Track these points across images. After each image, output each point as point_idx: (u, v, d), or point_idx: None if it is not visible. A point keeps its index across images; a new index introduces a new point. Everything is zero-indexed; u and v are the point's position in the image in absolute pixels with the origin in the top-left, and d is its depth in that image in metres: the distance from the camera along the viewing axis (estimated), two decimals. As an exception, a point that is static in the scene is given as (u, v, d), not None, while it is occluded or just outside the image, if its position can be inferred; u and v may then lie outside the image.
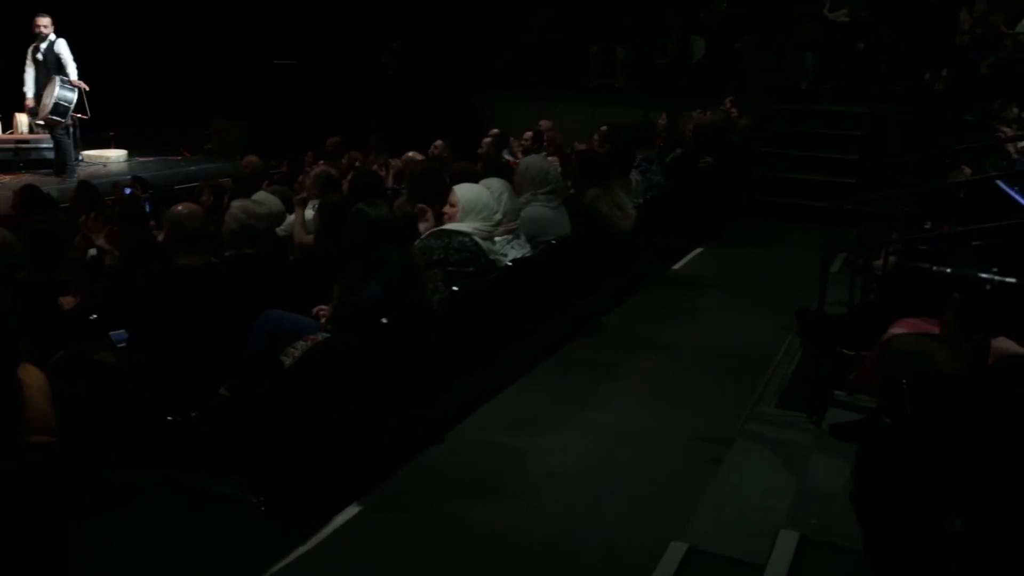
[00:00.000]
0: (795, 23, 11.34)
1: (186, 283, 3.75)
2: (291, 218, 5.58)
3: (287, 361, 3.62)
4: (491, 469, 4.05)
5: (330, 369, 3.58)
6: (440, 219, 4.69)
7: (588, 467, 4.09)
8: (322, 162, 8.07)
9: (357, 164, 8.03)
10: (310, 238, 5.02)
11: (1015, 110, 7.67)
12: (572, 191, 6.25)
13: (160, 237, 4.57)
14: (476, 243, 4.53)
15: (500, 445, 4.27)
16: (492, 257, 4.65)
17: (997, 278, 2.43)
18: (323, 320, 3.92)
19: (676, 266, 7.91)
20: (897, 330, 2.89)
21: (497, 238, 4.76)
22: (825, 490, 3.41)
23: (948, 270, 2.92)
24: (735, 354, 5.60)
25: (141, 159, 11.74)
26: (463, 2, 13.03)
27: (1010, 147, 5.77)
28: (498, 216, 4.73)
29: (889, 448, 2.33)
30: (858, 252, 4.92)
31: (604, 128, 8.08)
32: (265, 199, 5.06)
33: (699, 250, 8.36)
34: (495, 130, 9.11)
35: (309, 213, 5.34)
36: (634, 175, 7.06)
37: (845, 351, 3.61)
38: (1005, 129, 6.21)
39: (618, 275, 6.69)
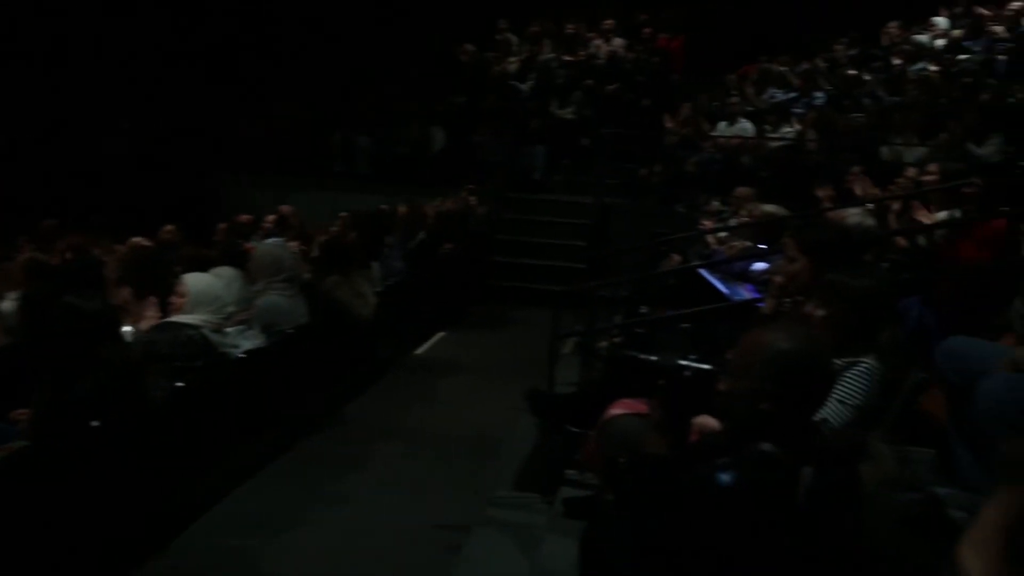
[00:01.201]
0: (526, 119, 12.07)
1: None
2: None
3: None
4: (220, 579, 3.78)
5: (28, 482, 3.20)
6: (166, 310, 4.41)
7: (326, 568, 3.93)
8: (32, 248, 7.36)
9: (74, 250, 7.40)
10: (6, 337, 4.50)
11: (715, 203, 8.58)
12: (309, 277, 6.14)
13: None
14: (205, 336, 4.30)
15: (230, 550, 4.01)
16: (223, 349, 4.43)
17: (695, 365, 2.66)
18: (22, 426, 3.52)
19: (419, 351, 7.97)
20: (615, 411, 3.06)
21: (229, 329, 4.55)
22: (560, 571, 3.49)
23: (653, 358, 3.16)
24: (476, 437, 5.69)
25: None
26: (199, 82, 12.65)
27: (710, 238, 6.43)
28: (229, 308, 4.53)
29: (608, 527, 2.43)
30: (585, 335, 5.20)
31: (345, 215, 8.07)
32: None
33: (441, 334, 8.49)
34: (245, 216, 8.81)
35: (9, 305, 4.81)
36: (375, 263, 7.08)
37: (573, 430, 3.76)
38: (706, 222, 6.92)
39: (360, 363, 6.62)
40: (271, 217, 8.97)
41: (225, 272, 4.78)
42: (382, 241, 7.25)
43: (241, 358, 4.55)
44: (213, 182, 12.29)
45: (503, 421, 5.95)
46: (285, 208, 9.34)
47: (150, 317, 4.41)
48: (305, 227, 8.55)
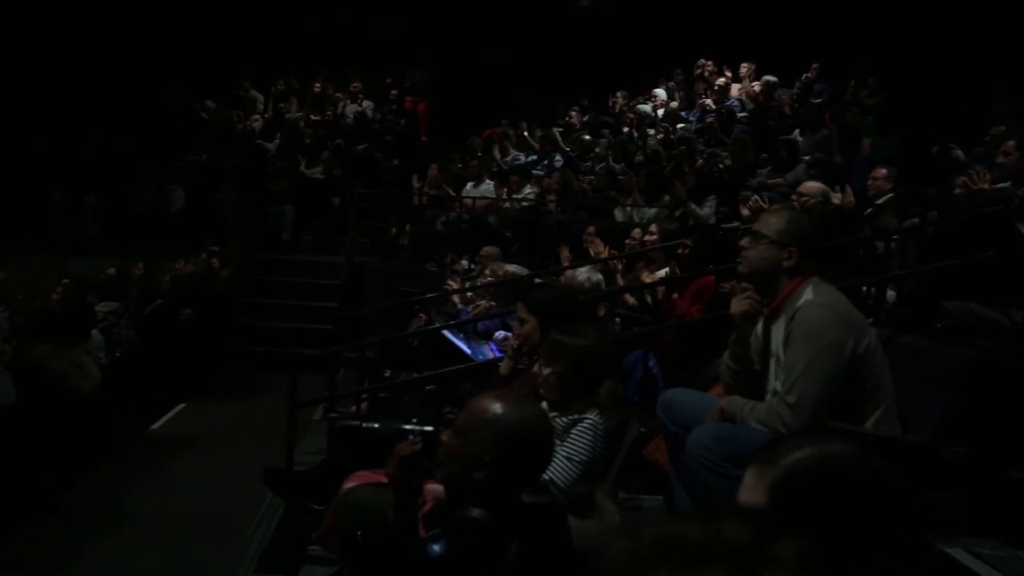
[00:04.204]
0: (273, 178, 11.79)
1: None
2: None
3: None
4: None
5: None
6: None
7: None
8: None
9: None
10: None
11: (464, 263, 8.78)
12: (12, 349, 5.54)
13: None
14: None
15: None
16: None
17: (418, 428, 2.66)
18: None
19: (155, 426, 7.42)
20: (352, 483, 2.97)
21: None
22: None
23: (376, 425, 3.13)
24: (217, 517, 5.34)
25: None
26: None
27: (456, 298, 6.54)
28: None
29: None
30: (329, 402, 5.07)
31: (67, 281, 7.40)
32: None
33: (181, 406, 7.97)
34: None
35: None
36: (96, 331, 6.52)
37: (315, 506, 3.62)
38: (451, 282, 7.04)
39: (83, 442, 6.04)
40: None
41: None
42: (92, 310, 6.67)
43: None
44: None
45: (248, 498, 5.63)
46: (-3, 274, 8.44)
47: None
48: (15, 294, 7.75)
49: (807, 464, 1.31)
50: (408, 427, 2.69)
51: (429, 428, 2.54)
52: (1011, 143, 4.78)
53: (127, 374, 6.70)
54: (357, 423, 3.23)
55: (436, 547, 1.92)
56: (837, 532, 1.25)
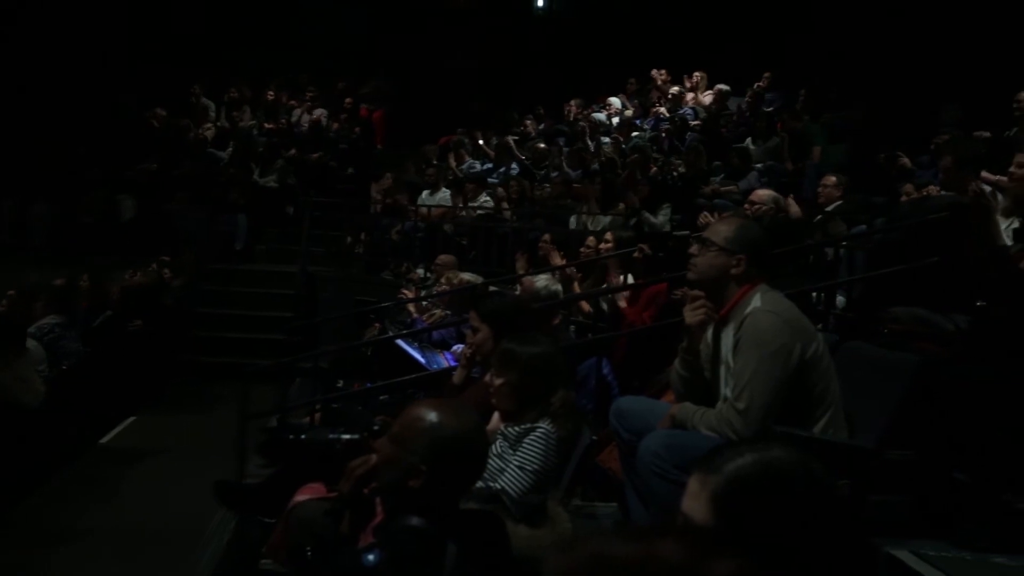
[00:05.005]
0: (226, 187, 11.64)
1: None
2: None
3: None
4: None
5: None
6: None
7: None
8: None
9: None
10: None
11: (419, 271, 8.73)
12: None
13: None
14: None
15: None
16: None
17: (346, 436, 2.64)
18: None
19: (105, 439, 7.27)
20: (301, 496, 2.94)
21: None
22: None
23: (303, 436, 3.10)
24: (168, 531, 5.24)
25: None
26: None
27: (411, 307, 6.51)
28: None
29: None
30: (280, 413, 5.01)
31: (12, 292, 7.22)
32: None
33: (132, 419, 7.81)
34: None
35: None
36: (31, 343, 6.29)
37: (265, 519, 3.57)
38: (405, 291, 7.01)
39: (30, 457, 5.89)
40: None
41: None
42: (23, 325, 6.47)
43: None
44: None
45: (200, 511, 5.53)
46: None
47: None
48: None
49: (749, 471, 1.32)
50: (333, 436, 2.67)
51: (354, 436, 2.52)
52: (948, 159, 4.89)
53: (74, 387, 6.55)
54: (287, 434, 3.19)
55: (371, 556, 1.91)
56: (777, 542, 1.26)
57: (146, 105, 13.05)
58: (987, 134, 7.05)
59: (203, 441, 7.27)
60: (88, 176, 11.65)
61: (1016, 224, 3.96)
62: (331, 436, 2.70)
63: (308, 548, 2.68)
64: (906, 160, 7.59)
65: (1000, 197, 4.36)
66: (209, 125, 13.23)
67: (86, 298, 8.44)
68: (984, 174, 4.98)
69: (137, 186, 11.65)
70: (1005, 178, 4.74)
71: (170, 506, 5.69)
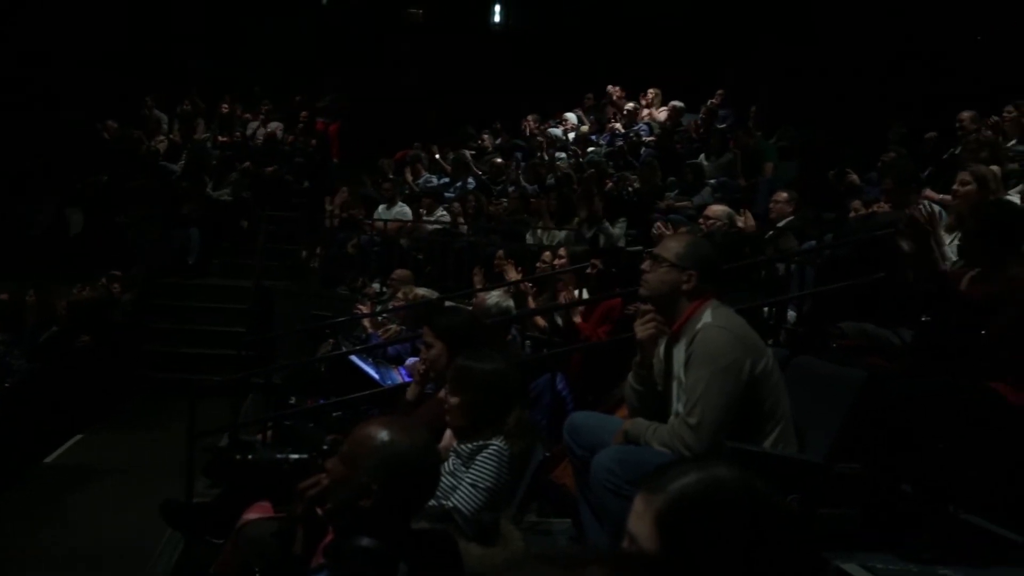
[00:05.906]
0: (178, 200, 11.48)
1: None
2: None
3: None
4: None
5: None
6: None
7: None
8: None
9: None
10: None
11: (375, 286, 8.67)
12: None
13: None
14: None
15: None
16: None
17: (294, 456, 2.61)
18: None
19: (49, 459, 7.09)
20: (250, 515, 2.89)
21: None
22: None
23: (250, 456, 3.07)
24: (115, 553, 5.14)
25: None
26: None
27: (366, 322, 6.46)
28: None
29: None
30: (234, 429, 4.93)
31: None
32: None
33: (79, 437, 7.64)
34: None
35: None
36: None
37: (214, 539, 3.51)
38: (361, 306, 6.95)
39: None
40: None
41: None
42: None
43: None
44: None
45: (147, 532, 5.42)
46: None
47: None
48: None
49: (692, 490, 1.32)
50: (281, 456, 2.63)
51: (303, 456, 2.49)
52: (888, 181, 5.00)
53: (19, 405, 6.39)
54: (234, 454, 3.14)
55: None
56: (721, 562, 1.26)
57: (97, 116, 12.83)
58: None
59: (152, 459, 7.12)
60: (36, 189, 11.40)
61: (958, 240, 4.04)
62: (279, 456, 2.65)
63: (257, 569, 2.65)
64: (855, 177, 7.73)
65: (943, 215, 4.46)
66: (162, 137, 13.05)
67: (32, 314, 8.27)
68: (928, 192, 5.10)
69: (87, 199, 11.44)
70: (949, 196, 4.86)
71: (116, 527, 5.57)
